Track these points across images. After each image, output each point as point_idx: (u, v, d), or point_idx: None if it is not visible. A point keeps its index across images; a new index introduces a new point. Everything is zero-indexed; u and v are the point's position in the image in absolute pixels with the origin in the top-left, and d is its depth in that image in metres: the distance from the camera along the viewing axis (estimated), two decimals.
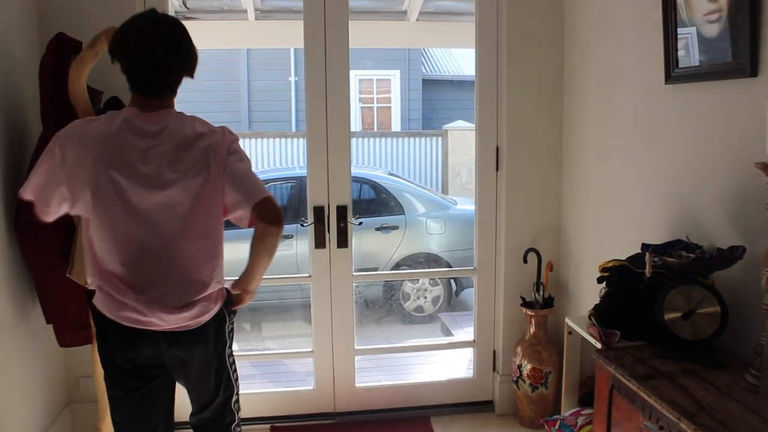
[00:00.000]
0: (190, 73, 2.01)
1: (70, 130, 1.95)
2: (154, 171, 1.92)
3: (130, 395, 2.08)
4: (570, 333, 2.56)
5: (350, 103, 3.32)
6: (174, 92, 2.00)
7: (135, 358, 2.03)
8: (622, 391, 1.98)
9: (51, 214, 1.97)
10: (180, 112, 2.02)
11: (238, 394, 2.23)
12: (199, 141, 1.96)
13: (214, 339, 2.09)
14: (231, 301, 2.18)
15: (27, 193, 1.94)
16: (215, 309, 2.08)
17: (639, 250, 2.32)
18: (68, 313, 2.72)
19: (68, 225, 2.63)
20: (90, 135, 1.91)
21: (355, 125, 12.15)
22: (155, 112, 1.94)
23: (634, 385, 1.87)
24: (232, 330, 2.19)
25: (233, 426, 2.23)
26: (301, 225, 3.33)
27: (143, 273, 1.96)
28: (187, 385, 2.17)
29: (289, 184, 6.44)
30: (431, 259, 6.29)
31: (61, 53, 2.66)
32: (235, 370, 2.23)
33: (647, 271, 2.09)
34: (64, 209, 1.97)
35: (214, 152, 1.97)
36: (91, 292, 2.60)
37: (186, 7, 5.03)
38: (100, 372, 2.80)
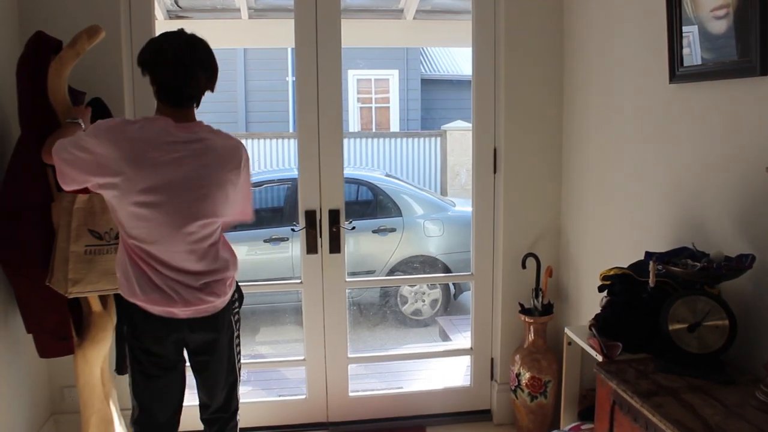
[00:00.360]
0: (213, 88, 2.22)
1: (109, 127, 2.10)
2: (186, 176, 2.11)
3: (153, 380, 2.30)
4: (569, 344, 2.46)
5: (342, 103, 3.22)
6: (198, 104, 2.21)
7: (161, 343, 2.25)
8: (624, 407, 1.88)
9: (70, 187, 2.15)
10: (207, 125, 2.22)
11: (239, 383, 2.47)
12: (235, 154, 2.24)
13: (227, 325, 2.34)
14: (240, 292, 2.45)
15: (49, 158, 2.17)
16: (229, 295, 2.32)
17: (642, 256, 2.24)
18: (48, 322, 2.62)
19: (48, 232, 2.54)
20: (128, 135, 2.06)
21: (354, 125, 12.07)
22: (187, 123, 2.14)
23: (637, 402, 1.77)
24: (239, 319, 2.43)
25: (237, 413, 2.49)
26: (292, 230, 3.23)
27: (167, 262, 2.16)
28: (203, 373, 2.37)
29: (285, 185, 6.35)
30: (429, 262, 6.19)
31: (40, 53, 2.55)
32: (240, 360, 2.45)
33: (651, 281, 1.99)
34: (82, 186, 2.13)
35: (243, 167, 2.28)
36: (71, 302, 2.52)
37: (178, 5, 4.95)
38: (82, 381, 2.73)
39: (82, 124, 2.41)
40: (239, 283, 2.47)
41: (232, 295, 2.36)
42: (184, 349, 2.35)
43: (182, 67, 2.08)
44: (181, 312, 2.20)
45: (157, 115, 2.14)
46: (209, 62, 2.16)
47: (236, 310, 2.41)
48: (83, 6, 2.87)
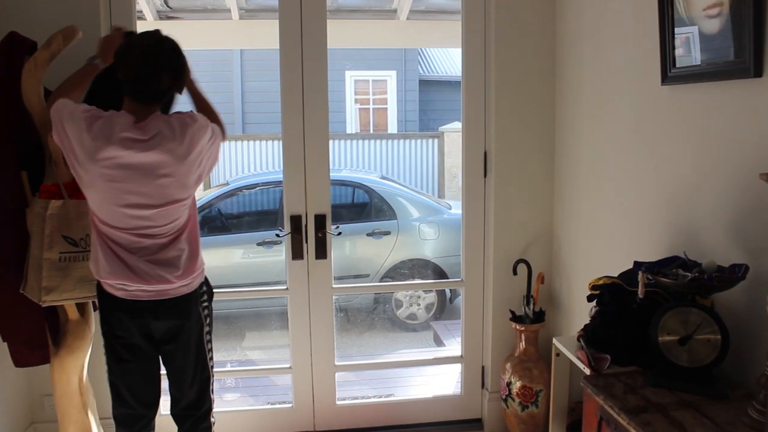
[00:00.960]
0: (180, 90, 2.30)
1: (79, 116, 2.14)
2: (142, 168, 2.16)
3: (123, 364, 2.37)
4: (558, 355, 2.38)
5: (329, 105, 3.13)
6: (160, 102, 2.25)
7: (128, 328, 2.31)
8: (611, 424, 1.80)
9: (54, 140, 2.22)
10: (164, 115, 2.26)
11: (213, 383, 2.49)
12: (194, 135, 2.24)
13: (195, 316, 2.37)
14: (209, 286, 2.48)
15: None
16: (196, 283, 2.36)
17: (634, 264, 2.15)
18: (22, 331, 2.56)
19: (22, 238, 2.47)
20: (91, 131, 2.12)
21: (351, 127, 11.98)
22: (145, 120, 2.18)
23: (624, 419, 1.70)
24: (209, 315, 2.45)
25: (210, 414, 2.49)
26: (277, 236, 3.16)
27: (127, 244, 2.24)
28: (171, 364, 2.42)
29: (280, 188, 6.28)
30: (424, 266, 6.11)
31: (13, 54, 2.49)
32: (212, 358, 2.47)
33: (640, 292, 1.91)
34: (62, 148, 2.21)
35: (204, 136, 2.28)
36: (47, 309, 2.45)
37: (168, 6, 4.89)
38: (59, 391, 2.68)
39: (101, 63, 2.39)
40: (213, 285, 2.53)
41: (200, 287, 2.40)
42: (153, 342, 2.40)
43: (145, 66, 2.16)
44: (143, 294, 2.26)
45: (122, 110, 2.19)
46: (176, 64, 2.22)
47: (205, 303, 2.44)
48: (60, 6, 2.80)
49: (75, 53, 2.62)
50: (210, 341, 2.46)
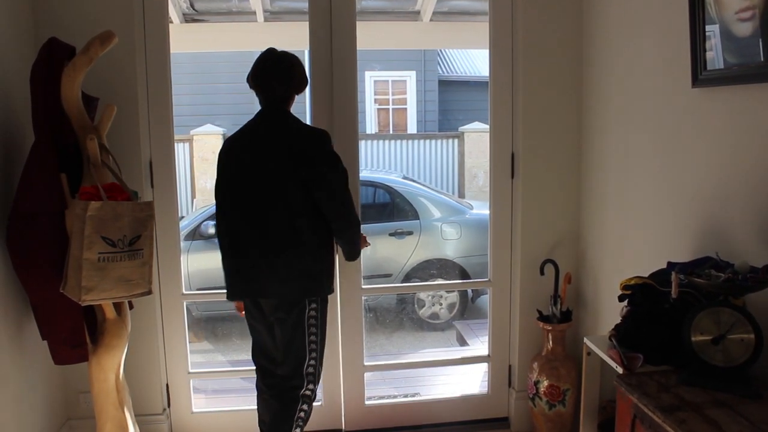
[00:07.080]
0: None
1: None
2: None
3: (252, 322, 2.83)
4: (589, 354, 2.40)
5: (358, 107, 3.18)
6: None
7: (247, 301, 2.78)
8: (645, 422, 1.82)
9: None
10: None
11: (314, 366, 2.70)
12: None
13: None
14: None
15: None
16: None
17: (663, 264, 2.19)
18: (61, 329, 2.62)
19: (62, 239, 2.53)
20: None
21: (371, 127, 12.02)
22: None
23: (659, 417, 1.71)
24: (315, 300, 2.68)
25: (299, 391, 2.68)
26: None
27: None
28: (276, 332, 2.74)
29: None
30: (446, 266, 6.14)
31: (53, 59, 2.55)
32: (314, 341, 2.68)
33: (673, 293, 1.93)
34: None
35: None
36: (85, 309, 2.51)
37: (194, 9, 4.95)
38: (96, 388, 2.73)
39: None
40: None
41: None
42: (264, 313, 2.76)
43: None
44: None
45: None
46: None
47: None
48: (97, 12, 2.87)
49: (111, 57, 2.70)
50: (315, 327, 2.68)
